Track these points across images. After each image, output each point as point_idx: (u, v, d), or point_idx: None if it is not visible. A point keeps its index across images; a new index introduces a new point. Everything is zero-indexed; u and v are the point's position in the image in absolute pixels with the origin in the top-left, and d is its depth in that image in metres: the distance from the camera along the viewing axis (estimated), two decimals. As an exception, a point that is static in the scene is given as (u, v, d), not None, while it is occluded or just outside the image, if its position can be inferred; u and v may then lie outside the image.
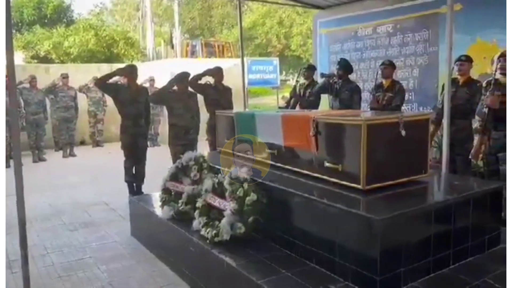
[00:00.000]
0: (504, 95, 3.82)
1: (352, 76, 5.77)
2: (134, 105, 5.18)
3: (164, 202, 3.77)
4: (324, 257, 2.52)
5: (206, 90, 5.60)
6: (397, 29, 6.25)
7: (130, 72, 5.31)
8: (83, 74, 10.53)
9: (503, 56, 3.89)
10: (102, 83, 5.25)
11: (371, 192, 2.60)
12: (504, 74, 3.88)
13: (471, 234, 2.64)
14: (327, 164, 2.84)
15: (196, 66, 7.16)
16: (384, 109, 4.86)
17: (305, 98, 6.05)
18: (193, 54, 18.41)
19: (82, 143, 10.96)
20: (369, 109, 5.21)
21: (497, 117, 3.85)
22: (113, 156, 7.76)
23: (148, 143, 6.81)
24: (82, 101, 10.02)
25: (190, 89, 5.32)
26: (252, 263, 2.70)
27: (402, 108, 5.23)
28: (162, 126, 10.10)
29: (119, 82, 6.50)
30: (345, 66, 5.52)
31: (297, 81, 6.43)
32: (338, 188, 2.73)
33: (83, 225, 4.70)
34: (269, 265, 2.65)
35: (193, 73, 5.42)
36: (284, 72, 25.04)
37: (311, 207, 2.65)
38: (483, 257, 2.67)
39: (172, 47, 20.76)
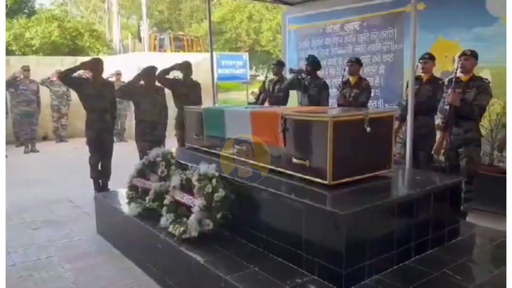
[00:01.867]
0: (464, 92, 3.98)
1: (320, 73, 5.85)
2: (100, 100, 5.06)
3: (131, 199, 3.71)
4: (291, 252, 2.55)
5: (175, 85, 5.53)
6: (364, 26, 6.36)
7: (96, 65, 5.18)
8: (45, 67, 10.18)
9: (464, 55, 4.03)
10: (65, 77, 5.08)
11: (337, 187, 2.65)
12: (464, 72, 4.02)
13: (432, 227, 2.73)
14: (294, 160, 2.87)
15: (164, 60, 7.05)
16: (351, 105, 4.95)
17: (274, 94, 6.09)
18: (161, 47, 18.16)
19: (45, 138, 10.62)
20: (336, 106, 5.29)
21: (458, 114, 4.00)
22: (78, 152, 7.56)
23: (115, 138, 6.69)
24: (45, 95, 9.69)
25: (157, 83, 5.24)
26: (220, 259, 2.71)
27: (368, 104, 5.34)
28: (129, 121, 9.91)
29: (84, 76, 6.33)
30: (313, 63, 5.60)
31: (266, 77, 6.46)
32: (305, 184, 2.77)
33: (46, 223, 4.56)
34: (237, 261, 2.66)
35: (161, 67, 5.34)
36: (254, 68, 25.06)
37: (278, 203, 2.68)
38: (443, 249, 2.77)
39: (140, 40, 20.40)
